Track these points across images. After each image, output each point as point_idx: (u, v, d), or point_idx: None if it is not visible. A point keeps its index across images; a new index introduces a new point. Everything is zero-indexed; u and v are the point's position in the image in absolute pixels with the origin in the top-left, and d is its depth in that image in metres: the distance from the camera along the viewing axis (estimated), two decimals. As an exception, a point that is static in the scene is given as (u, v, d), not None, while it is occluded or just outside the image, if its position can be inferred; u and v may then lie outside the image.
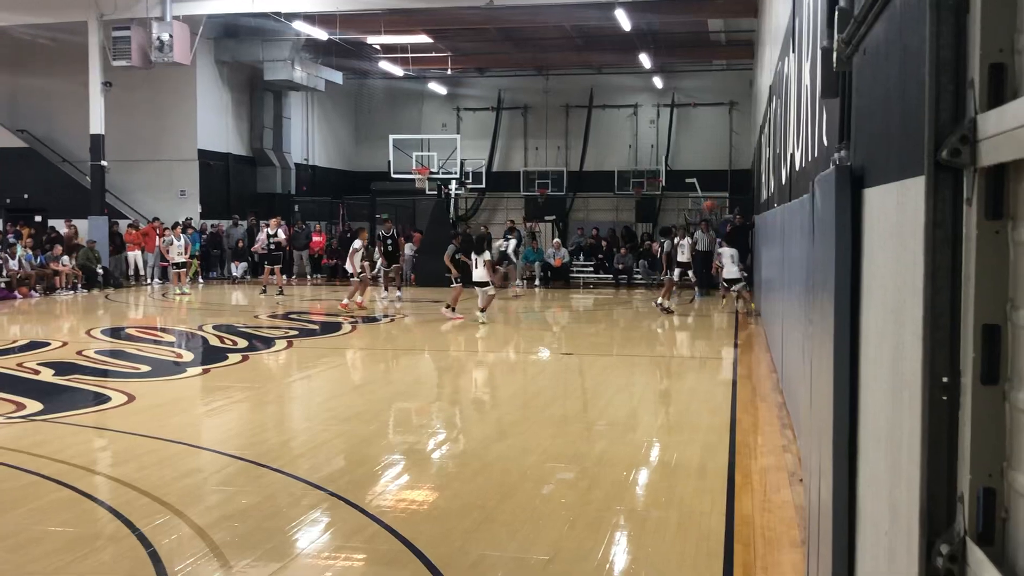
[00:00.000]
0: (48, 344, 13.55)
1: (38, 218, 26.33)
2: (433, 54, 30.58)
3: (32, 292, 21.34)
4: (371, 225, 27.01)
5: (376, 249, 20.97)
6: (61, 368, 11.22)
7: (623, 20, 23.53)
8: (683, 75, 33.56)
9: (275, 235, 22.23)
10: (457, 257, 17.01)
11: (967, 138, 1.68)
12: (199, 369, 11.85)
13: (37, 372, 10.99)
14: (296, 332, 15.25)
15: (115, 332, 15.63)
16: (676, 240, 19.66)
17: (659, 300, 18.56)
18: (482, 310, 16.05)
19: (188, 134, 27.73)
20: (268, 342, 13.97)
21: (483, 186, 33.03)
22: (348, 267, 19.28)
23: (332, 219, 31.82)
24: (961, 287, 1.75)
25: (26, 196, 26.96)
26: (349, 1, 22.95)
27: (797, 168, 7.66)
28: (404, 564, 4.84)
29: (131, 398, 9.40)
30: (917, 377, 1.94)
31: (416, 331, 16.36)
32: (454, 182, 28.39)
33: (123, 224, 25.82)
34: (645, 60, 29.70)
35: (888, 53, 2.59)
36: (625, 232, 29.30)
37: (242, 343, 13.69)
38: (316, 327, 16.49)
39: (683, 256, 19.60)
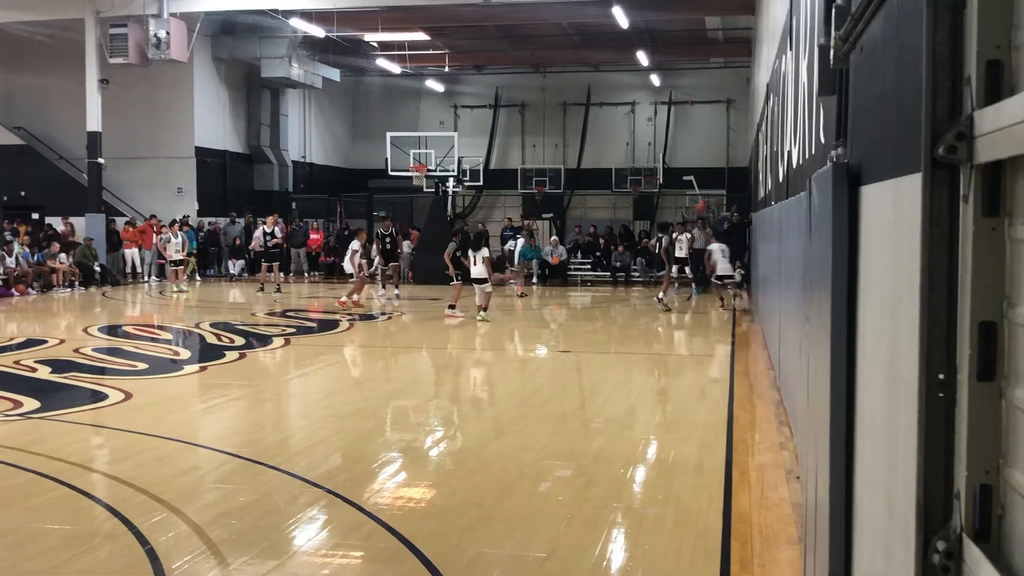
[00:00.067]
0: (45, 342, 13.53)
1: (35, 215, 26.30)
2: (430, 51, 30.55)
3: (29, 290, 21.32)
4: (369, 223, 27.00)
5: (374, 247, 20.96)
6: (58, 366, 11.20)
7: (620, 17, 23.51)
8: (681, 73, 33.56)
9: (272, 233, 22.21)
10: (458, 255, 17.01)
11: (964, 135, 1.69)
12: (196, 367, 11.84)
13: (34, 370, 10.97)
14: (294, 330, 15.25)
15: (112, 330, 15.61)
16: (674, 236, 19.68)
17: (660, 295, 18.58)
18: (484, 308, 16.04)
19: (185, 131, 27.70)
20: (265, 340, 13.96)
21: (481, 184, 33.05)
22: (347, 267, 19.27)
23: (329, 217, 31.81)
24: (958, 284, 1.75)
25: (23, 194, 26.93)
26: (346, -2, 22.95)
27: (794, 166, 7.66)
28: (401, 561, 4.84)
29: (128, 396, 9.39)
30: (914, 374, 1.95)
31: (414, 329, 16.36)
32: (452, 180, 28.38)
33: (120, 221, 25.79)
34: (643, 58, 29.69)
35: (885, 50, 2.59)
36: (623, 230, 29.32)
37: (239, 341, 13.68)
38: (314, 325, 16.48)
39: (681, 252, 19.62)
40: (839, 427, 3.01)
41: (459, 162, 29.10)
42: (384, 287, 21.07)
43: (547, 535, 5.23)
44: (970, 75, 1.67)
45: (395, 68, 31.34)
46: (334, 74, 32.14)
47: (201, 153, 27.99)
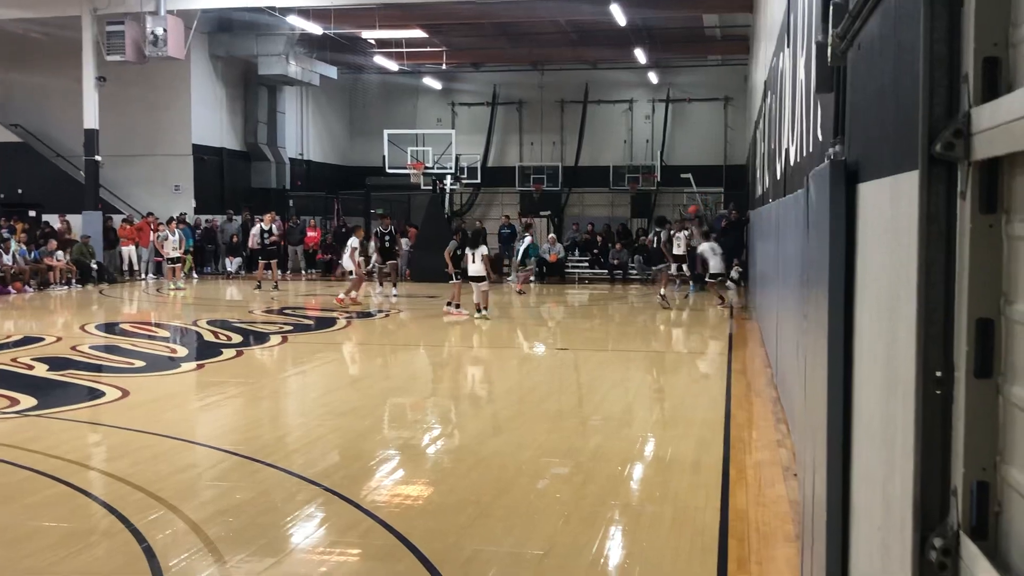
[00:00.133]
0: (42, 339, 13.51)
1: (32, 213, 26.26)
2: (428, 49, 30.52)
3: (26, 287, 21.29)
4: (366, 221, 26.97)
5: (372, 244, 20.94)
6: (55, 363, 11.19)
7: (618, 15, 23.50)
8: (678, 70, 33.55)
9: (269, 230, 22.19)
10: (458, 253, 17.01)
11: (961, 132, 1.69)
12: (193, 364, 11.84)
13: (31, 367, 10.96)
14: (291, 327, 15.23)
15: (109, 327, 15.59)
16: (672, 232, 19.70)
17: (662, 291, 18.62)
18: (484, 307, 16.04)
19: (182, 129, 27.67)
20: (263, 337, 13.95)
21: (478, 181, 33.02)
22: (345, 264, 19.26)
23: (327, 214, 31.75)
24: (955, 281, 1.75)
25: (20, 191, 26.88)
26: (344, -4, 22.92)
27: (792, 163, 7.66)
28: (399, 559, 4.84)
29: (125, 393, 9.38)
30: (911, 371, 1.95)
31: (411, 326, 16.35)
32: (449, 177, 28.34)
33: (117, 219, 25.74)
34: (640, 55, 29.68)
35: (882, 48, 2.59)
36: (620, 228, 29.32)
37: (237, 338, 13.67)
38: (311, 322, 16.47)
39: (679, 249, 19.64)
40: (836, 424, 3.02)
41: (457, 160, 29.09)
42: (382, 285, 21.05)
43: (545, 532, 5.23)
44: (967, 72, 1.67)
45: (392, 65, 31.31)
46: (331, 71, 32.10)
47: (198, 150, 27.95)
